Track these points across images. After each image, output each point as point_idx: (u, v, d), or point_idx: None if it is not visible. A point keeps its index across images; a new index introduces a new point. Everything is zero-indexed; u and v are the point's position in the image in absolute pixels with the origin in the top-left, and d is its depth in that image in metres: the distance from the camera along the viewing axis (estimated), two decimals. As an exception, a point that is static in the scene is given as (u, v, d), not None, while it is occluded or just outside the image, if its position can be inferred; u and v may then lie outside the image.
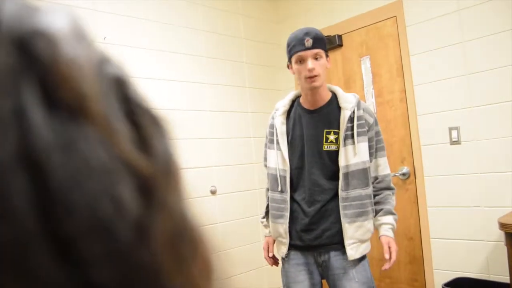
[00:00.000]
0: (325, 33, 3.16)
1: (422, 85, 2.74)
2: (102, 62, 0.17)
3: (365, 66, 3.04)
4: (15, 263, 0.12)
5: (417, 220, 2.79)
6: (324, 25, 3.23)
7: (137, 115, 0.18)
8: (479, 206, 2.52)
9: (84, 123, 0.15)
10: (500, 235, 2.32)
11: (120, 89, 0.18)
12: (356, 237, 1.73)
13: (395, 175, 2.84)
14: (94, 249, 0.14)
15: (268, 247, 1.95)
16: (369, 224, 1.76)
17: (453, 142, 2.62)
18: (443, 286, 2.44)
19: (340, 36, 3.14)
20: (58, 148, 0.14)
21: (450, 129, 2.62)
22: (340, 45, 3.15)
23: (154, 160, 0.17)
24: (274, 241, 1.94)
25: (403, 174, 2.83)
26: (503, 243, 2.15)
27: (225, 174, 3.03)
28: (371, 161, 1.80)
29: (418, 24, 2.74)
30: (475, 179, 2.53)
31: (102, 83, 0.17)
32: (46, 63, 0.15)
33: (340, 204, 1.74)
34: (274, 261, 1.96)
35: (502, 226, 2.04)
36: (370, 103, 2.99)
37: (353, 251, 1.73)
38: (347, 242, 1.73)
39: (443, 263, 2.67)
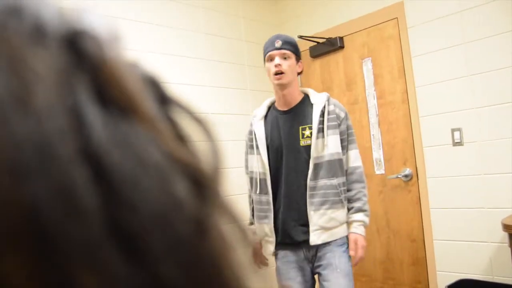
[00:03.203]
0: (327, 35, 3.17)
1: (424, 87, 2.74)
2: (134, 63, 0.18)
3: (367, 67, 3.04)
4: (88, 259, 0.13)
5: (420, 221, 2.79)
6: (325, 27, 3.23)
7: (177, 114, 0.18)
8: (482, 208, 2.52)
9: (134, 121, 0.15)
10: (503, 236, 2.31)
11: (156, 89, 0.18)
12: (319, 224, 1.81)
13: (397, 177, 2.84)
14: (158, 244, 0.14)
15: (256, 252, 1.96)
16: (334, 213, 1.83)
17: (456, 143, 2.61)
18: (447, 287, 2.44)
19: (341, 38, 3.14)
20: (116, 146, 0.14)
21: (453, 130, 2.61)
22: (342, 47, 3.15)
23: (201, 157, 0.18)
24: (260, 246, 1.98)
25: (406, 176, 2.82)
26: (507, 244, 2.14)
27: (227, 177, 3.03)
28: (343, 154, 1.89)
29: (420, 25, 2.74)
30: (478, 180, 2.53)
31: (142, 83, 0.17)
32: (96, 63, 0.15)
33: (307, 192, 1.84)
34: (262, 261, 2.00)
35: (506, 227, 2.03)
36: (372, 104, 2.99)
37: (315, 237, 1.81)
38: (311, 228, 1.83)
39: (447, 265, 2.67)
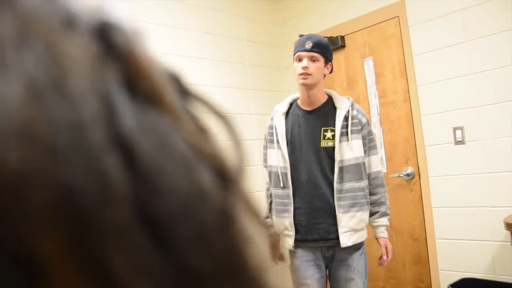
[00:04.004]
0: (328, 34, 3.16)
1: (425, 85, 2.73)
2: (156, 58, 0.18)
3: (368, 66, 3.03)
4: (118, 241, 0.13)
5: (422, 220, 2.78)
6: (326, 26, 3.23)
7: (197, 109, 0.19)
8: (484, 206, 2.51)
9: (160, 111, 0.16)
10: (506, 235, 2.31)
11: (177, 83, 0.18)
12: (349, 226, 1.85)
13: (399, 176, 2.83)
14: (184, 231, 0.14)
15: (274, 247, 2.01)
16: (363, 215, 1.88)
17: (458, 142, 2.60)
18: (449, 286, 2.43)
19: (342, 37, 3.14)
20: (144, 134, 0.15)
21: (455, 129, 2.61)
22: (343, 46, 3.15)
23: (223, 151, 0.18)
24: (278, 240, 2.01)
25: (408, 175, 2.82)
26: (509, 243, 2.14)
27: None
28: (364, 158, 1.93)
29: (421, 24, 2.73)
30: (480, 179, 2.52)
31: (165, 77, 0.18)
32: (125, 54, 0.16)
33: (335, 195, 1.87)
34: (280, 258, 2.03)
35: (508, 226, 2.03)
36: (374, 103, 2.99)
37: (345, 239, 1.84)
38: (340, 230, 1.85)
39: (449, 264, 2.66)
